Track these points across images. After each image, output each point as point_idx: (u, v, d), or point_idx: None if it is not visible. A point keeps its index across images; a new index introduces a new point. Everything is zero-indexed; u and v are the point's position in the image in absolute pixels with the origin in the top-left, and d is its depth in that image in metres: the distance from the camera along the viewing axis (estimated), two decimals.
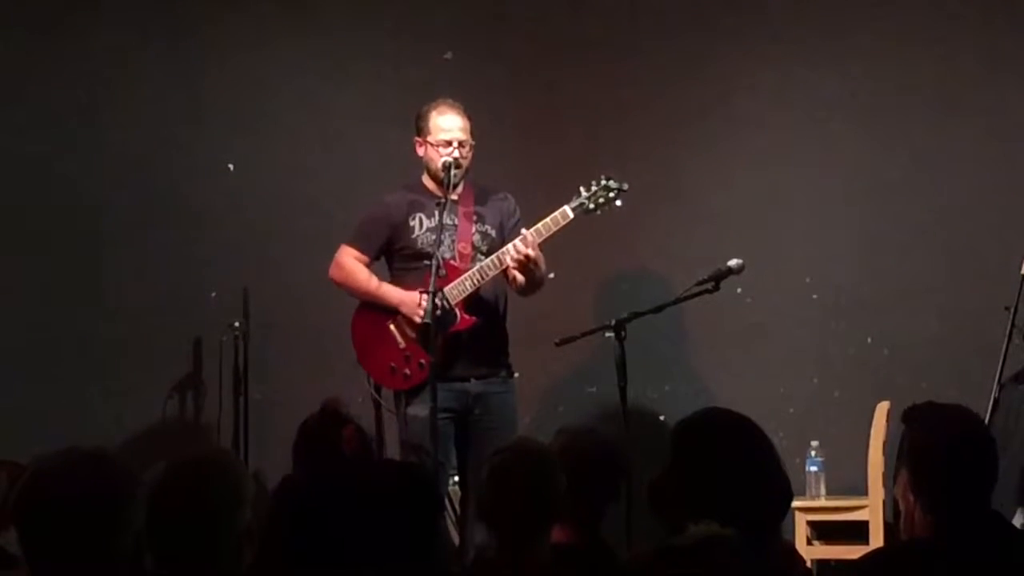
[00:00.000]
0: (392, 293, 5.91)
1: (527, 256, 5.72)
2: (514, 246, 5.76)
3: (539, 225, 5.79)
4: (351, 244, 6.01)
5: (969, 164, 6.78)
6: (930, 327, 6.72)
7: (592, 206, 5.84)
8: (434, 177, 5.93)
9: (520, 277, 5.83)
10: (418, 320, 5.76)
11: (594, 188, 5.85)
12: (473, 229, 5.96)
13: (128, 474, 3.05)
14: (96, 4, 7.19)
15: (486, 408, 5.89)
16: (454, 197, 5.90)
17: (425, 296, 5.66)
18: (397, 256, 5.98)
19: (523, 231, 5.77)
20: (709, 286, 5.69)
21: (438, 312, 5.61)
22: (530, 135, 6.96)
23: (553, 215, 5.80)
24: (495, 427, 5.81)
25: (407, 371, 5.86)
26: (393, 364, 5.89)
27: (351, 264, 5.98)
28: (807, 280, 6.85)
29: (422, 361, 5.80)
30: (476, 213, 5.98)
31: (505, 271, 5.86)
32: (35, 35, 7.14)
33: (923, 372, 6.59)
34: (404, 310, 5.86)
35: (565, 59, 7.02)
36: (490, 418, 5.87)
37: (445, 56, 7.06)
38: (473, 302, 5.86)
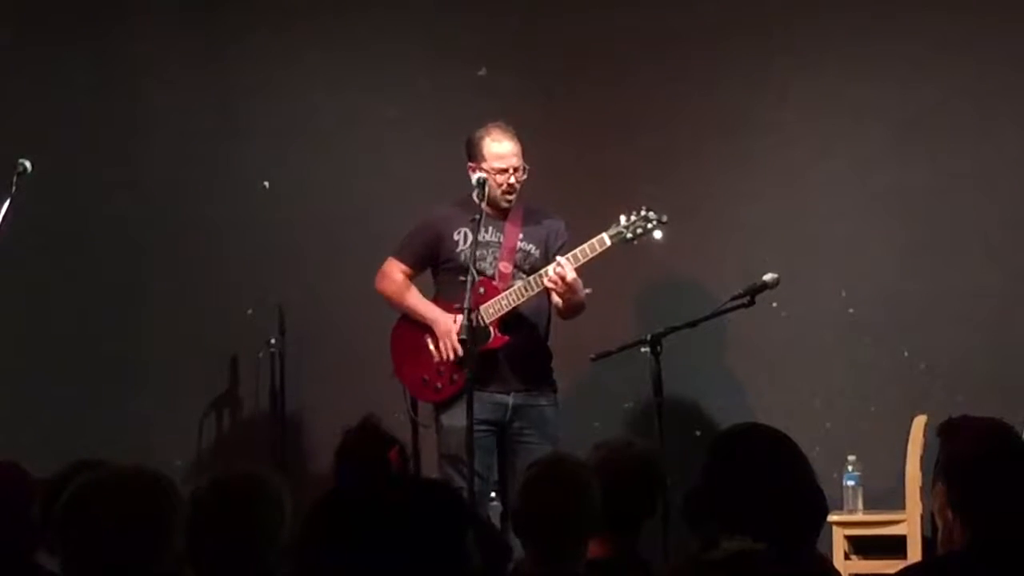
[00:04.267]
0: (427, 310, 5.95)
1: (563, 279, 5.73)
2: (552, 268, 5.77)
3: (576, 251, 5.81)
4: (396, 256, 6.08)
5: (1005, 174, 6.75)
6: (966, 340, 6.68)
7: (630, 235, 5.83)
8: (492, 204, 5.92)
9: (558, 300, 5.85)
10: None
11: (633, 218, 5.85)
12: (517, 248, 5.98)
13: (168, 491, 3.06)
14: (130, 20, 7.23)
15: (526, 421, 5.91)
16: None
17: (460, 316, 5.69)
18: (441, 269, 6.03)
19: (558, 258, 5.78)
20: (744, 300, 5.70)
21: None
22: (562, 150, 6.96)
23: (590, 242, 5.81)
24: (535, 440, 5.83)
25: (439, 384, 5.89)
26: (426, 376, 5.92)
27: (393, 275, 6.05)
28: (842, 294, 6.83)
29: (454, 376, 5.82)
30: (522, 232, 6.00)
31: (548, 292, 5.88)
32: (68, 54, 7.18)
33: (960, 385, 6.56)
34: (437, 330, 5.89)
35: (597, 75, 7.02)
36: (530, 431, 5.90)
37: (479, 72, 7.08)
38: (509, 321, 5.87)
